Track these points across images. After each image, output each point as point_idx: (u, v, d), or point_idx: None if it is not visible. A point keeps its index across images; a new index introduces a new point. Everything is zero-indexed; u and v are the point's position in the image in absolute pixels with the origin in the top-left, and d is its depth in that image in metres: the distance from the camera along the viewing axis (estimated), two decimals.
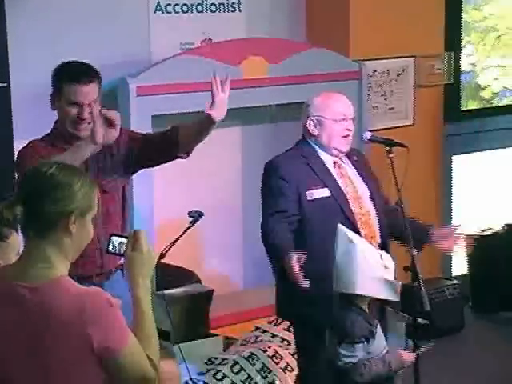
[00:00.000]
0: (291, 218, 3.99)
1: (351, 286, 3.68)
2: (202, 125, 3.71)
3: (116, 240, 2.60)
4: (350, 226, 3.96)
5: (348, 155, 4.18)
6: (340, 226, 3.82)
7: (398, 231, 4.03)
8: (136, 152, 3.81)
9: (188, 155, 3.84)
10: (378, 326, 3.78)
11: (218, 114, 3.63)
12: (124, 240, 2.58)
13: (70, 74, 3.68)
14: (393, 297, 3.72)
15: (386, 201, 4.25)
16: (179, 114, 4.85)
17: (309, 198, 4.02)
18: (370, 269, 3.70)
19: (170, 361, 3.15)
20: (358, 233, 4.00)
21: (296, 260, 3.69)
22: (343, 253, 3.72)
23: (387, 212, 4.18)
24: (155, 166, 4.02)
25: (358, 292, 3.68)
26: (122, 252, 2.58)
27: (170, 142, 3.75)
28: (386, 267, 3.73)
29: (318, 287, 3.79)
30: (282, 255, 3.79)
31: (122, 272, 3.69)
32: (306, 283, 3.71)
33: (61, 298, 2.39)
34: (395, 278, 3.81)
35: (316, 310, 3.91)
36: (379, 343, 3.76)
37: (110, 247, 2.60)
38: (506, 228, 6.09)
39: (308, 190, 4.03)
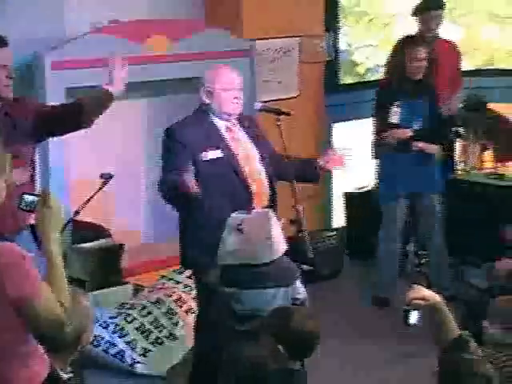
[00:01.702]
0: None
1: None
2: (102, 98, 3.70)
3: (27, 198, 2.54)
4: (240, 184, 4.03)
5: (240, 121, 4.19)
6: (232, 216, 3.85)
7: (289, 174, 4.06)
8: (41, 122, 3.78)
9: (90, 125, 3.83)
10: None
11: (116, 88, 3.63)
12: (35, 198, 2.53)
13: None
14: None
15: (278, 155, 4.21)
16: (90, 87, 4.77)
17: (203, 159, 4.02)
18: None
19: (87, 299, 3.16)
20: (248, 190, 4.04)
21: (185, 173, 3.72)
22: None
23: (278, 163, 4.17)
24: (61, 135, 3.99)
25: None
26: (33, 209, 2.54)
27: (74, 114, 3.74)
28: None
29: (213, 237, 3.83)
30: (175, 180, 3.78)
31: (32, 228, 3.63)
32: (198, 190, 3.72)
33: None
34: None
35: (210, 258, 3.92)
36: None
37: (22, 204, 2.54)
38: (375, 186, 6.20)
39: (202, 151, 4.02)
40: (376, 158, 5.75)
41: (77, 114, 3.74)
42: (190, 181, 3.72)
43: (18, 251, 2.41)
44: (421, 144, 5.45)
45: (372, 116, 5.66)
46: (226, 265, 3.83)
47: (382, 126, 5.47)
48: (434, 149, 5.52)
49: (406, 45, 5.47)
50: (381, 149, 5.59)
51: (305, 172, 4.22)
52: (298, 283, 3.95)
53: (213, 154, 4.04)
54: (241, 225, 3.78)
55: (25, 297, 2.37)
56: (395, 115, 5.40)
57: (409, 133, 5.42)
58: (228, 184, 3.99)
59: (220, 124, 4.14)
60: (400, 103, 5.40)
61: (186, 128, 4.08)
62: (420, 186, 5.54)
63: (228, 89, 4.10)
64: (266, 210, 3.98)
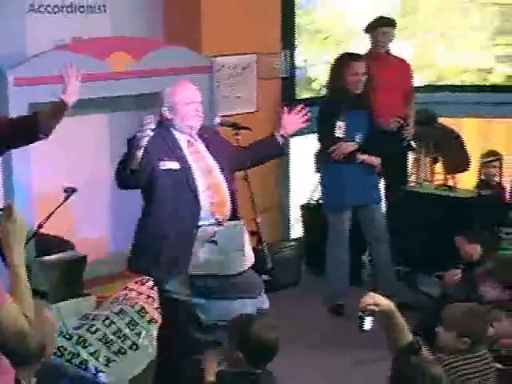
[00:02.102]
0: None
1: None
2: (57, 109, 3.69)
3: None
4: (192, 196, 4.05)
5: (200, 134, 4.22)
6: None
7: (257, 156, 4.21)
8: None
9: (47, 136, 3.81)
10: None
11: (70, 99, 3.62)
12: None
13: None
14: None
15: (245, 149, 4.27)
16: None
17: (161, 168, 4.04)
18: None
19: (51, 311, 3.15)
20: (198, 203, 4.04)
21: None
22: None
23: (244, 154, 4.20)
24: (18, 146, 3.95)
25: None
26: None
27: (31, 125, 3.72)
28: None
29: (162, 244, 3.91)
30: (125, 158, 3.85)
31: None
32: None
33: None
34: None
35: (161, 268, 3.98)
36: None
37: None
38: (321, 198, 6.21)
39: (161, 160, 4.05)
40: (319, 171, 5.78)
41: (32, 125, 3.74)
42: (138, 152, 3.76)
43: None
44: (364, 156, 5.51)
45: (317, 131, 5.66)
46: (195, 275, 3.83)
47: (327, 140, 5.50)
48: (375, 161, 5.57)
49: (345, 61, 5.52)
50: (325, 161, 5.60)
51: (267, 149, 4.28)
52: (263, 294, 3.97)
53: (170, 165, 4.07)
54: (214, 236, 3.80)
55: None
56: (339, 129, 5.44)
57: (354, 146, 5.47)
58: (180, 195, 4.03)
59: (181, 138, 4.17)
60: (343, 117, 5.44)
61: (148, 136, 4.08)
62: (363, 198, 5.58)
63: (188, 103, 4.13)
64: (239, 222, 4.00)
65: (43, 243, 5.05)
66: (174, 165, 4.08)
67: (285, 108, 4.46)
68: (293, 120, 4.37)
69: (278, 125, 4.38)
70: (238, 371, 3.32)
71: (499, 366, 3.98)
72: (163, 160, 4.06)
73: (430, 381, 2.98)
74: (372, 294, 3.42)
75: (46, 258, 5.07)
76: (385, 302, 3.36)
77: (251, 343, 3.27)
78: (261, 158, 4.31)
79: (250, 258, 3.94)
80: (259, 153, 4.24)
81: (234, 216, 4.17)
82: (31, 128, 3.73)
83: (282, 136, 4.35)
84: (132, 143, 3.86)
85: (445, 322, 3.64)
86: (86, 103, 5.26)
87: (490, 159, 6.04)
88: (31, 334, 2.42)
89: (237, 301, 3.82)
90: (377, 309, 3.31)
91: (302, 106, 4.42)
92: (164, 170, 4.05)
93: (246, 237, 3.98)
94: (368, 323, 3.27)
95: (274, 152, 4.41)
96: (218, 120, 4.35)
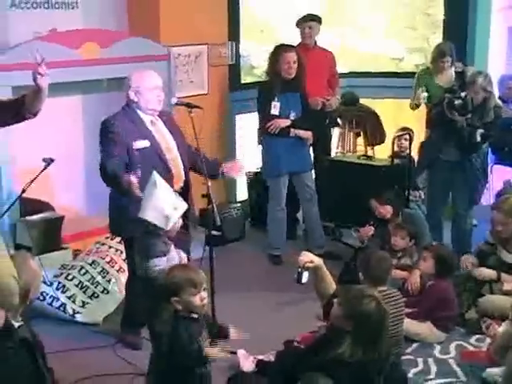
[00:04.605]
0: (120, 159, 3.97)
1: (141, 213, 3.73)
2: (36, 92, 3.64)
3: None
4: (164, 169, 4.04)
5: (160, 116, 4.22)
6: (154, 172, 3.82)
7: (198, 167, 4.12)
8: None
9: (35, 116, 3.77)
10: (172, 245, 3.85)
11: (43, 82, 3.56)
12: None
13: None
14: (164, 226, 3.73)
15: (189, 147, 4.29)
16: (33, 86, 4.71)
17: (134, 147, 4.03)
18: (161, 204, 3.74)
19: (35, 261, 3.16)
20: (170, 173, 4.05)
21: (133, 176, 3.72)
22: (148, 191, 3.76)
23: (190, 154, 4.23)
24: (11, 124, 3.89)
25: (143, 217, 3.70)
26: None
27: (20, 106, 3.67)
28: (175, 208, 3.78)
29: (136, 212, 3.82)
30: (119, 177, 3.78)
31: None
32: (139, 192, 3.72)
33: None
34: (189, 213, 3.92)
35: (134, 227, 3.92)
36: (174, 255, 3.85)
37: None
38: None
39: (133, 141, 4.03)
40: (260, 143, 5.84)
41: (21, 106, 3.68)
42: (135, 185, 3.69)
43: None
44: (297, 131, 5.58)
45: (257, 110, 5.71)
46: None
47: (265, 117, 5.55)
48: (307, 135, 5.64)
49: (279, 51, 5.55)
50: (265, 135, 5.66)
51: (210, 169, 4.13)
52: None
53: (141, 144, 4.05)
54: None
55: None
56: (275, 108, 5.50)
57: (288, 122, 5.54)
58: (154, 169, 3.95)
59: (146, 118, 4.15)
60: (278, 98, 5.49)
61: (119, 121, 4.07)
62: (297, 166, 5.64)
63: (152, 88, 4.12)
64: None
65: (27, 205, 5.03)
66: (145, 143, 4.05)
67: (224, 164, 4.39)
68: (234, 168, 4.34)
69: (220, 164, 4.33)
70: None
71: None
72: (136, 140, 4.02)
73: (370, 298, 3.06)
74: (307, 252, 3.53)
75: (29, 217, 5.06)
76: (316, 259, 3.48)
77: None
78: (198, 169, 4.15)
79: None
80: (205, 165, 4.07)
81: (186, 186, 4.17)
82: (20, 109, 3.69)
83: (222, 173, 4.31)
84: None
85: (360, 268, 3.78)
86: (62, 86, 5.22)
87: (401, 133, 6.15)
88: (15, 290, 2.43)
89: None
90: (311, 265, 3.42)
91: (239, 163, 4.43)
92: (137, 149, 4.02)
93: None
94: (305, 277, 3.38)
95: (213, 176, 4.22)
96: (174, 100, 4.33)
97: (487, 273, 4.65)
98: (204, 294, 3.07)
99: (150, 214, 3.71)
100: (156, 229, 3.74)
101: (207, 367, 3.10)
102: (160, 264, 3.72)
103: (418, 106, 5.95)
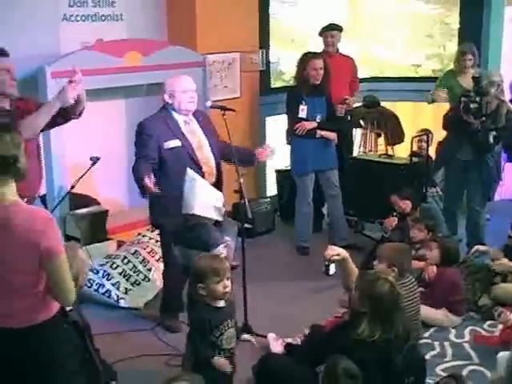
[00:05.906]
0: (151, 160, 3.98)
1: (189, 209, 3.72)
2: (80, 100, 3.68)
3: None
4: (195, 166, 4.03)
5: (195, 116, 4.21)
6: (188, 169, 3.84)
7: (231, 158, 4.11)
8: None
9: (79, 116, 3.79)
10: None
11: (73, 93, 3.60)
12: None
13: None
14: (219, 217, 3.76)
15: (224, 142, 4.24)
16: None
17: (166, 148, 4.02)
18: (205, 198, 3.74)
19: (83, 251, 3.19)
20: (201, 170, 4.05)
21: (147, 177, 3.73)
22: (188, 187, 3.75)
23: (225, 149, 4.18)
24: (60, 124, 3.91)
25: (194, 213, 3.70)
26: None
27: (65, 109, 3.69)
28: (216, 199, 3.78)
29: (173, 207, 3.87)
30: (139, 177, 3.80)
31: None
32: (157, 191, 3.75)
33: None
34: (223, 205, 3.90)
35: (171, 221, 3.96)
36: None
37: None
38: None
39: (165, 141, 4.03)
40: (289, 143, 5.82)
41: (64, 110, 3.70)
42: (150, 185, 3.73)
43: (50, 216, 2.42)
44: (323, 132, 5.55)
45: (286, 112, 5.69)
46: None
47: (293, 120, 5.53)
48: (332, 135, 5.62)
49: (306, 58, 5.53)
50: (293, 136, 5.64)
51: (244, 158, 4.20)
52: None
53: (173, 143, 4.05)
54: None
55: (52, 250, 2.36)
56: (302, 111, 5.48)
57: (314, 124, 5.52)
58: (185, 166, 3.98)
59: (179, 119, 4.15)
60: (305, 102, 5.48)
61: (152, 122, 4.07)
62: (322, 164, 5.61)
63: (185, 91, 4.12)
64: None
65: (75, 200, 5.09)
66: (176, 142, 4.05)
67: (264, 144, 4.45)
68: (264, 153, 4.34)
69: (257, 145, 4.35)
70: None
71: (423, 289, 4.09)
72: (167, 141, 4.02)
73: (385, 282, 3.04)
74: (333, 246, 3.52)
75: (78, 211, 5.11)
76: (342, 252, 3.46)
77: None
78: (234, 160, 4.10)
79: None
80: (240, 156, 4.10)
81: (218, 182, 4.16)
82: (65, 111, 3.73)
83: (257, 159, 4.33)
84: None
85: (378, 256, 3.74)
86: (107, 91, 5.30)
87: (420, 134, 6.07)
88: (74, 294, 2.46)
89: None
90: (338, 258, 3.41)
91: (274, 148, 4.41)
92: (168, 148, 4.03)
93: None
94: (332, 269, 3.37)
95: (248, 163, 4.28)
96: (209, 103, 4.34)
97: (507, 266, 4.58)
98: (227, 282, 3.07)
99: (199, 209, 3.71)
100: (202, 220, 3.72)
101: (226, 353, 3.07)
102: (221, 251, 3.73)
103: (433, 101, 5.87)
